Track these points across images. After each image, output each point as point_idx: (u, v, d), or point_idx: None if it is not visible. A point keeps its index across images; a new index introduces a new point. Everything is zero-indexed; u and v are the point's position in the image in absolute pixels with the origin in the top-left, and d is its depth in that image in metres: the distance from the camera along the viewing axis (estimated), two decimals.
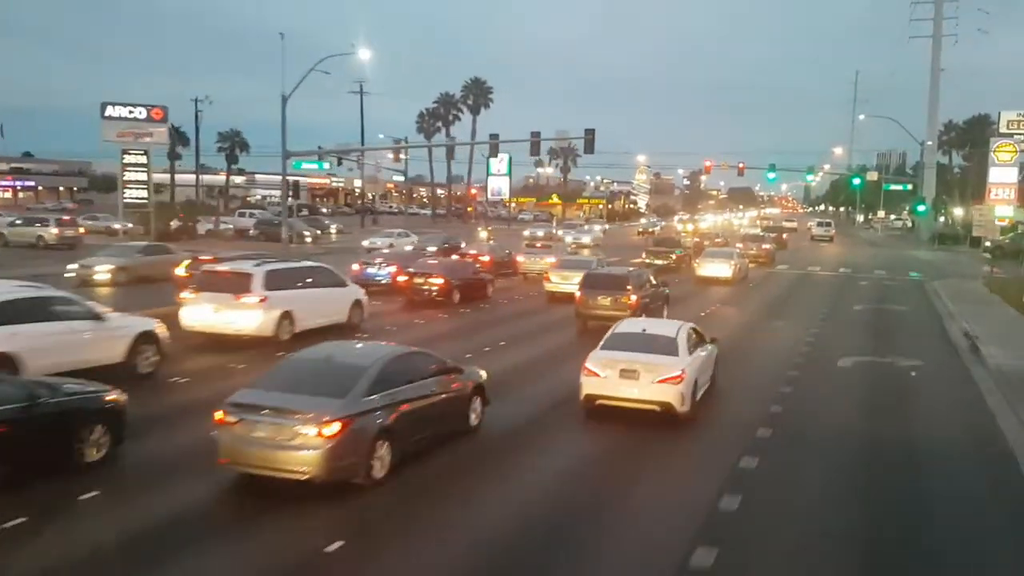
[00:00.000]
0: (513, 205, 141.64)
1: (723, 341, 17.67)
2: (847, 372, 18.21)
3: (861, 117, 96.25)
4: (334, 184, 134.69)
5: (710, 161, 79.07)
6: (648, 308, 21.81)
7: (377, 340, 17.88)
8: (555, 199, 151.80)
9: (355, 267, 28.15)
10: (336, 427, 9.43)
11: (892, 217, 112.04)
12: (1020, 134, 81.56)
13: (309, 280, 18.99)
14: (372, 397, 10.13)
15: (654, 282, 23.91)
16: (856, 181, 76.07)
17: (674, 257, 41.16)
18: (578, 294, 21.87)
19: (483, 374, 13.04)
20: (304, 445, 9.41)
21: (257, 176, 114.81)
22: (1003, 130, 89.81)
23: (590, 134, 47.21)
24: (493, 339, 20.31)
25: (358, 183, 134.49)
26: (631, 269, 24.68)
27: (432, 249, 33.28)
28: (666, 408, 12.82)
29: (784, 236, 67.29)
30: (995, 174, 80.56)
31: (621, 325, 14.93)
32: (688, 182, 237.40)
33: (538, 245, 35.59)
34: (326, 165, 58.52)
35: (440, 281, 25.31)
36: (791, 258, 54.49)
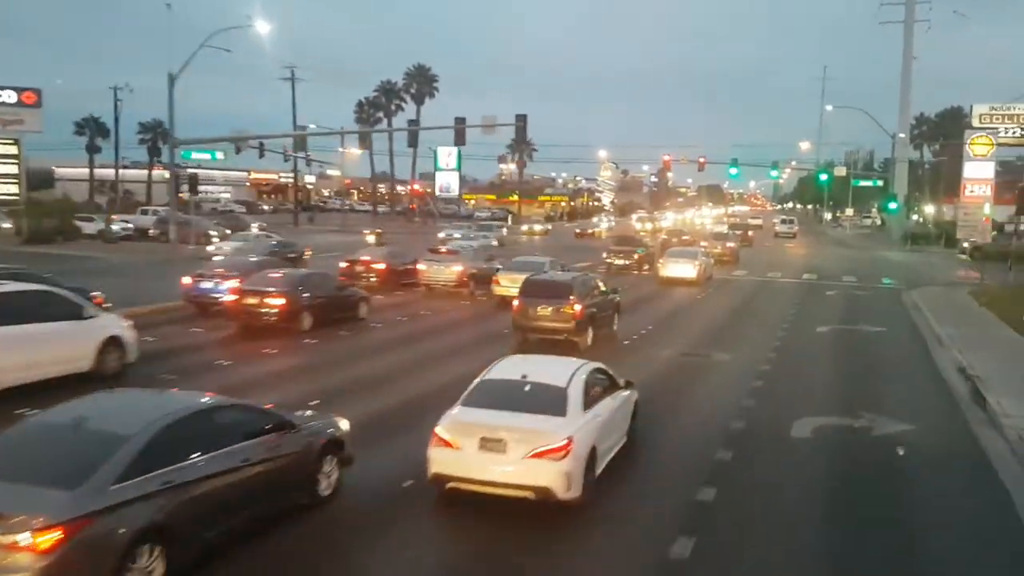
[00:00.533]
0: (473, 202, 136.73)
1: (648, 382, 14.57)
2: (804, 448, 12.48)
3: (829, 108, 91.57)
4: (284, 180, 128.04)
5: (669, 155, 73.96)
6: (595, 319, 19.48)
7: (173, 386, 12.55)
8: (514, 196, 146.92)
9: (187, 280, 22.03)
10: (55, 536, 6.46)
11: (861, 215, 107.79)
12: (993, 128, 78.00)
13: (8, 313, 12.77)
14: (129, 483, 7.15)
15: (603, 288, 21.02)
16: (823, 177, 71.10)
17: (636, 257, 39.11)
18: (516, 303, 19.28)
19: (343, 425, 10.09)
20: (8, 567, 6.44)
21: (188, 170, 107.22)
22: (976, 124, 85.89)
23: (521, 120, 41.60)
24: (364, 375, 15.91)
25: (311, 179, 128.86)
26: (576, 274, 22.13)
27: (254, 259, 25.18)
28: (543, 495, 9.06)
29: (750, 233, 67.10)
30: (970, 169, 76.19)
31: (497, 367, 10.96)
32: (656, 179, 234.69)
33: (443, 250, 29.40)
34: (219, 155, 51.77)
35: (280, 301, 19.20)
36: (753, 260, 49.25)
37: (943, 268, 46.11)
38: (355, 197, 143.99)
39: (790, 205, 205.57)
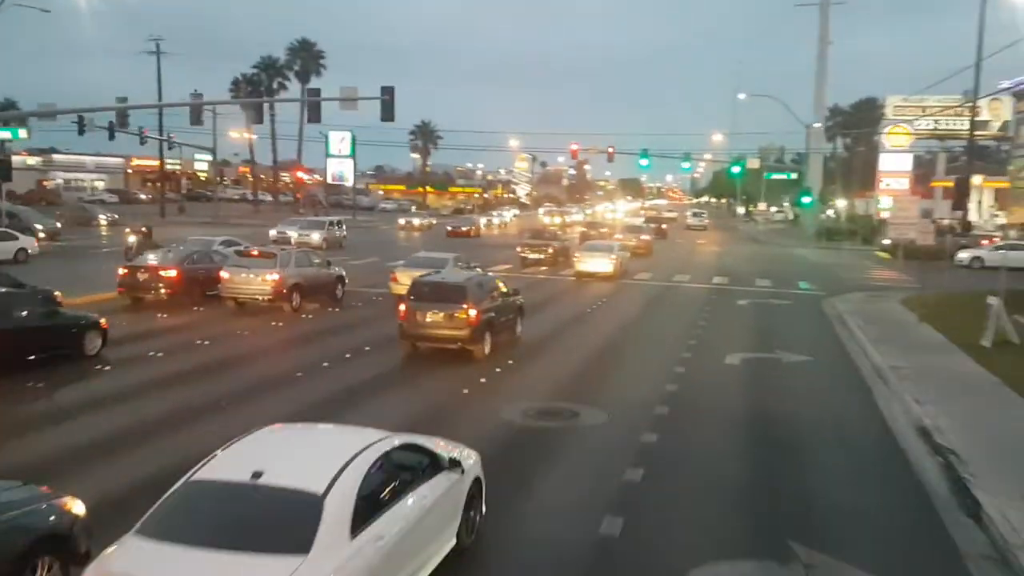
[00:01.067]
0: (381, 193, 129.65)
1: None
2: None
3: (742, 97, 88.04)
4: (174, 167, 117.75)
5: (577, 144, 68.52)
6: (494, 325, 17.25)
7: None
8: (424, 187, 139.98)
9: None
10: None
11: (773, 209, 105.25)
12: (907, 119, 75.63)
13: None
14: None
15: (504, 290, 18.62)
16: (735, 170, 67.16)
17: (551, 251, 37.92)
18: (401, 308, 16.69)
19: (75, 508, 6.73)
20: None
21: (57, 156, 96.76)
22: (890, 116, 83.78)
23: (388, 94, 35.06)
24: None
25: (203, 165, 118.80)
26: (473, 274, 19.58)
27: None
28: None
29: (664, 227, 68.22)
30: (887, 161, 73.18)
31: (225, 454, 6.54)
32: (575, 172, 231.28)
33: (255, 252, 22.73)
34: (22, 133, 43.68)
35: None
36: (662, 257, 44.49)
37: (861, 268, 42.01)
38: (261, 186, 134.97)
39: (705, 199, 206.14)
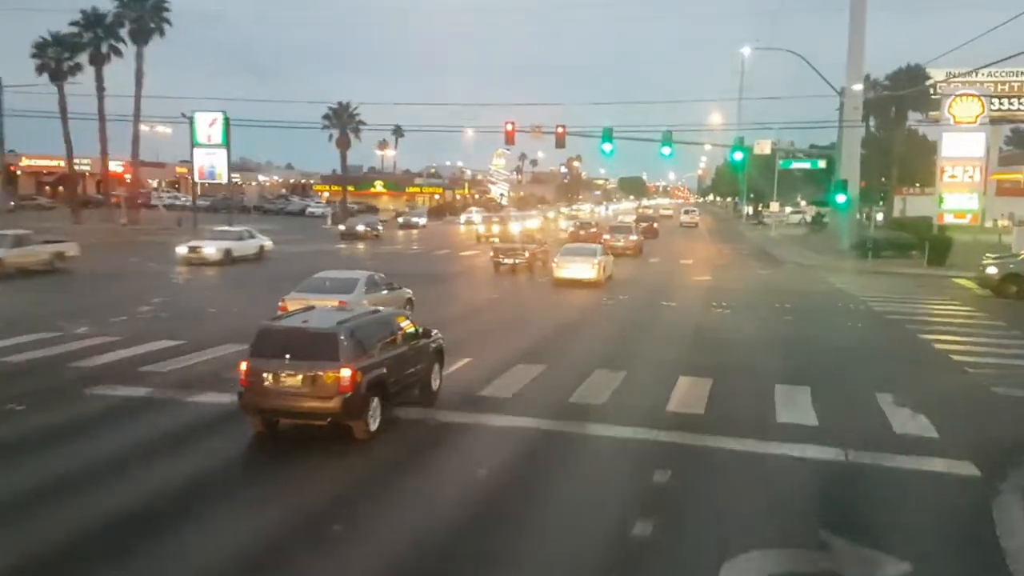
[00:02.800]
0: (327, 194, 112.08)
1: None
2: None
3: (746, 51, 66.33)
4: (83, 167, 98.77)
5: (512, 124, 48.31)
6: (389, 386, 11.91)
7: None
8: (379, 186, 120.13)
9: None
10: None
11: (788, 210, 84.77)
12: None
13: None
14: None
15: (410, 330, 13.05)
16: (737, 156, 47.00)
17: (527, 255, 34.43)
18: (242, 368, 11.45)
19: None
20: None
21: None
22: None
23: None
24: None
25: (87, 165, 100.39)
26: (360, 311, 13.20)
27: None
28: None
29: (655, 226, 65.21)
30: (951, 144, 53.00)
31: None
32: (566, 170, 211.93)
33: None
34: None
35: None
36: (644, 272, 24.75)
37: (993, 331, 21.73)
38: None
39: (711, 198, 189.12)
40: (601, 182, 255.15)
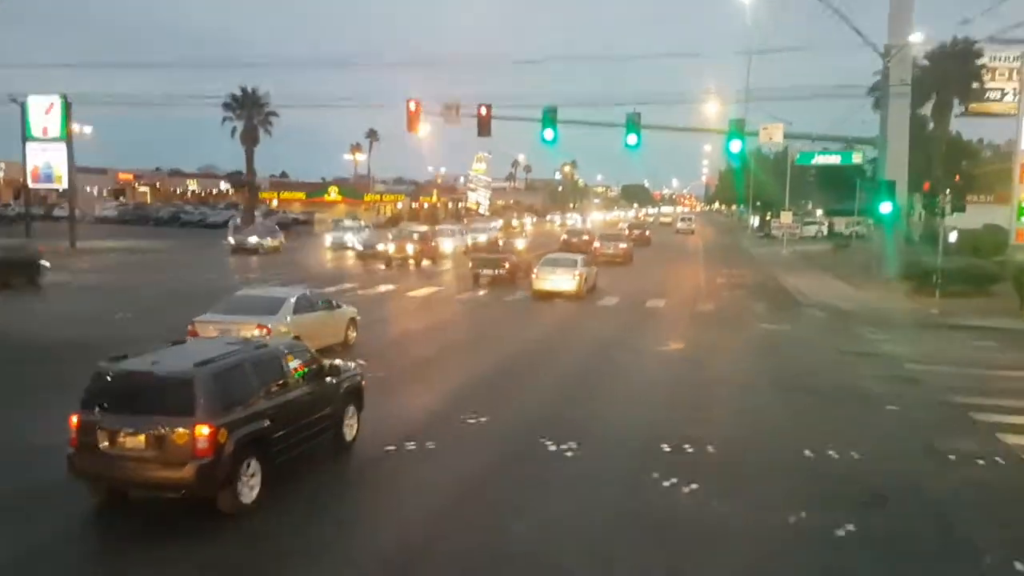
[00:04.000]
0: (275, 202, 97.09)
1: None
2: None
3: None
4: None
5: (415, 103, 34.03)
6: (272, 444, 9.69)
7: None
8: (333, 193, 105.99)
9: None
10: None
11: (801, 218, 70.23)
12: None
13: None
14: None
15: (309, 368, 10.72)
16: (735, 145, 32.23)
17: (507, 266, 32.57)
18: (73, 421, 9.12)
19: None
20: None
21: None
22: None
23: None
24: None
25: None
26: (235, 345, 10.52)
27: None
28: None
29: (647, 233, 65.58)
30: None
31: None
32: (560, 176, 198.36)
33: None
34: None
35: None
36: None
37: None
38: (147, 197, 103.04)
39: (716, 206, 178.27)
40: (601, 190, 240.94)
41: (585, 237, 49.84)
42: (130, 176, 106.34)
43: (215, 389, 8.89)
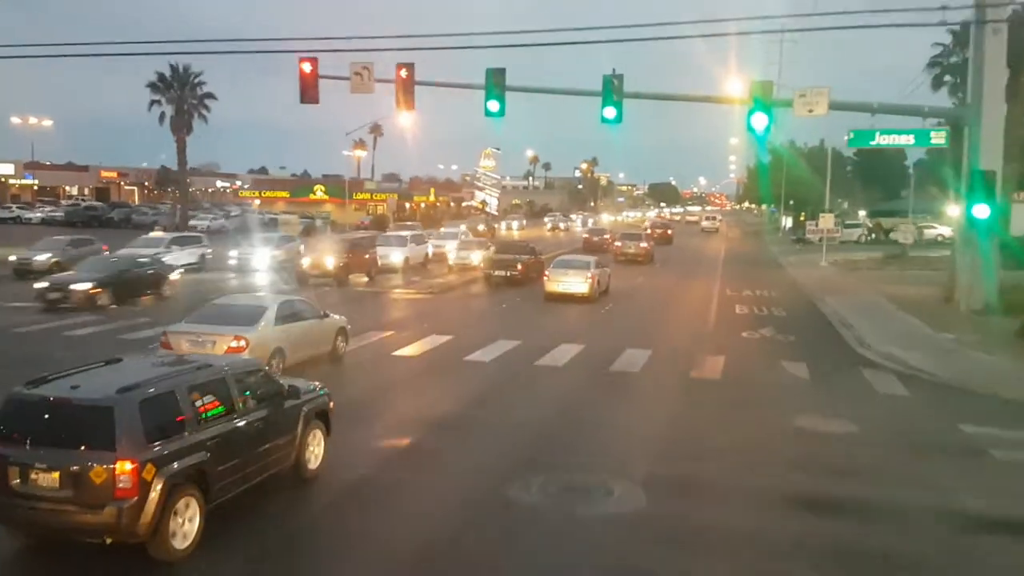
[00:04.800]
0: (258, 201, 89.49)
1: None
2: None
3: None
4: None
5: (309, 65, 24.42)
6: (212, 477, 8.68)
7: None
8: (319, 192, 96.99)
9: None
10: None
11: (843, 222, 59.46)
12: None
13: None
14: None
15: (269, 386, 10.16)
16: (759, 121, 22.39)
17: (520, 267, 32.17)
18: None
19: None
20: None
21: None
22: None
23: None
24: None
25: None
26: (162, 367, 9.62)
27: None
28: None
29: (669, 232, 65.32)
30: None
31: None
32: (579, 174, 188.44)
33: None
34: None
35: None
36: None
37: None
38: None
39: (747, 205, 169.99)
40: (626, 188, 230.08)
41: (606, 236, 52.69)
42: (113, 174, 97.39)
43: (141, 418, 8.00)
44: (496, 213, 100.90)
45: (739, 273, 38.94)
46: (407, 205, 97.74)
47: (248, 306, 16.26)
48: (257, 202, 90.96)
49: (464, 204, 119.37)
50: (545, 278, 29.02)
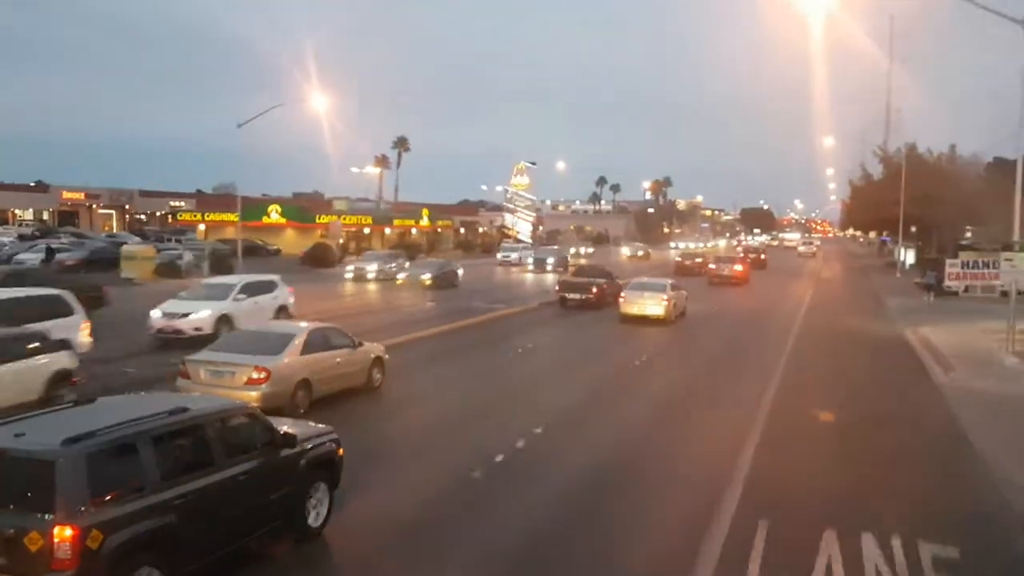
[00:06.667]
0: (202, 226, 70.78)
1: None
2: None
3: None
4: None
5: None
6: (170, 543, 7.67)
7: None
8: (274, 214, 75.40)
9: None
10: None
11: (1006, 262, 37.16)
12: None
13: None
14: None
15: (261, 434, 9.26)
16: None
17: (594, 291, 33.05)
18: None
19: None
20: None
21: None
22: None
23: None
24: None
25: None
26: (123, 415, 8.08)
27: None
28: None
29: (763, 257, 68.38)
30: None
31: None
32: (651, 196, 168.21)
33: None
34: None
35: None
36: None
37: None
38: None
39: (851, 232, 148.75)
40: (709, 213, 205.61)
41: (699, 260, 55.90)
42: (79, 195, 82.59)
43: (88, 474, 6.97)
44: (529, 240, 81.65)
45: (826, 349, 22.66)
46: (385, 230, 78.65)
47: (275, 333, 15.54)
48: (202, 227, 72.94)
49: (480, 230, 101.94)
50: (621, 300, 29.66)
